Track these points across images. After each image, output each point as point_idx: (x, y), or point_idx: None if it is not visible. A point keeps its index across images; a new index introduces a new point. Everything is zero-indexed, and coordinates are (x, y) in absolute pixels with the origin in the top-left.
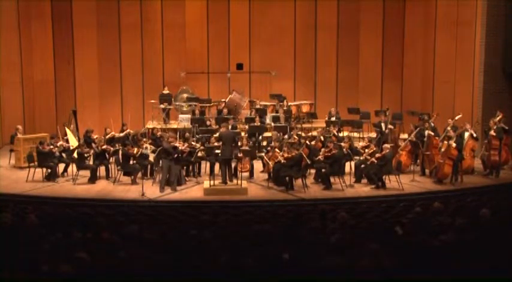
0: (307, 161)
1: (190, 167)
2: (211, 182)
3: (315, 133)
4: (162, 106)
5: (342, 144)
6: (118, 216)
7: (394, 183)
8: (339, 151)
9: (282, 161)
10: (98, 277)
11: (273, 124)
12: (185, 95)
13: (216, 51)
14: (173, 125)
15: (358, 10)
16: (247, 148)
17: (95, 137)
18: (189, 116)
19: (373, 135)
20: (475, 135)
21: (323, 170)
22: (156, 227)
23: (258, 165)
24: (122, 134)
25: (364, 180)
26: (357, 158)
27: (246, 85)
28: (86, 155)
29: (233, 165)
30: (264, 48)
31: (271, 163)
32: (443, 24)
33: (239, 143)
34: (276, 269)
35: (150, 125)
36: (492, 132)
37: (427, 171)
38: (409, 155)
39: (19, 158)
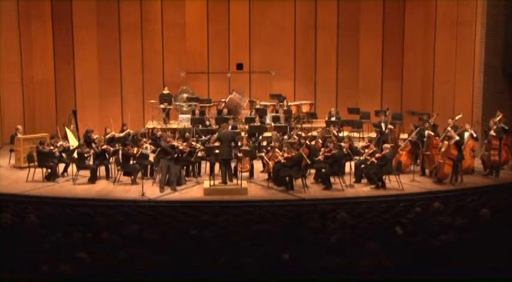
0: (307, 161)
1: (190, 167)
2: (211, 182)
3: (315, 133)
4: (162, 106)
5: (342, 144)
6: (118, 216)
7: (394, 183)
8: (339, 151)
9: (282, 161)
10: (98, 277)
11: (273, 124)
12: (185, 95)
13: (216, 51)
14: (173, 125)
15: (358, 10)
16: (247, 148)
17: (95, 137)
18: (189, 116)
19: (373, 135)
20: (475, 135)
21: (323, 170)
22: (156, 227)
23: (258, 165)
24: (121, 134)
25: (364, 180)
26: (357, 158)
27: (246, 85)
28: (86, 155)
29: (233, 165)
30: (264, 48)
31: (271, 163)
32: (443, 24)
33: (239, 143)
34: (276, 269)
35: (150, 125)
36: (492, 132)
37: (427, 171)
38: (409, 155)
39: (19, 158)
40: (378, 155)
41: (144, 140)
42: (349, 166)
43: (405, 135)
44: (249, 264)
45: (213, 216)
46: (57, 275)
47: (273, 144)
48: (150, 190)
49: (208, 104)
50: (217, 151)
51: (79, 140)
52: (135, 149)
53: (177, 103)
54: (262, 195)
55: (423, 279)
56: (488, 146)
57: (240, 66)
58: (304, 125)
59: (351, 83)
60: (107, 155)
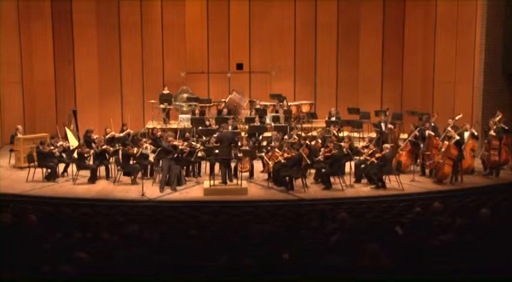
0: (307, 161)
1: (190, 167)
2: (211, 182)
3: (315, 133)
4: (162, 106)
5: (342, 144)
6: (118, 216)
7: (394, 183)
8: (339, 151)
9: (282, 161)
10: (98, 277)
11: (273, 124)
12: (185, 95)
13: (216, 51)
14: (173, 125)
15: (358, 10)
16: (247, 148)
17: (95, 137)
18: (189, 116)
19: (374, 135)
20: (475, 133)
21: (323, 170)
22: (156, 227)
23: (258, 165)
24: (121, 134)
25: (364, 180)
26: (357, 158)
27: (246, 85)
28: (86, 155)
29: (233, 165)
30: (264, 48)
31: (271, 163)
32: (443, 24)
33: (239, 143)
34: (276, 269)
35: (150, 125)
36: (492, 132)
37: (427, 171)
38: (409, 155)
39: (19, 158)
40: (378, 155)
41: (144, 140)
42: (349, 166)
43: (405, 135)
44: (249, 264)
45: (213, 216)
46: (57, 275)
47: (273, 144)
48: (150, 190)
49: (208, 104)
50: (217, 151)
51: (79, 140)
52: (135, 149)
53: (177, 103)
54: (262, 195)
55: (423, 279)
56: (488, 146)
57: (240, 66)
58: (304, 125)
59: (351, 83)
60: (107, 155)
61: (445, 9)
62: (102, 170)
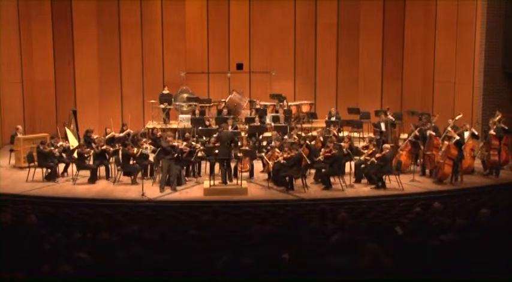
0: (307, 161)
1: (190, 167)
2: (211, 182)
3: (315, 133)
4: (162, 106)
5: (342, 144)
6: (118, 216)
7: (394, 183)
8: (339, 151)
9: (282, 161)
10: (98, 277)
11: (273, 124)
12: (185, 95)
13: (216, 51)
14: (173, 125)
15: (358, 10)
16: (247, 148)
17: (95, 137)
18: (189, 116)
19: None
20: (476, 133)
21: (323, 170)
22: (156, 227)
23: (258, 165)
24: (121, 134)
25: (364, 180)
26: (357, 158)
27: (246, 85)
28: (86, 155)
29: (233, 165)
30: (264, 48)
31: (271, 163)
32: (443, 24)
33: (239, 143)
34: (276, 269)
35: (150, 125)
36: (492, 132)
37: (427, 171)
38: (409, 155)
39: (19, 158)
40: (378, 155)
41: (144, 140)
42: (349, 166)
43: (405, 135)
44: (249, 264)
45: (213, 216)
46: (57, 275)
47: (273, 144)
48: (150, 190)
49: (208, 104)
50: (217, 151)
51: (79, 140)
52: (135, 149)
53: (177, 103)
54: (262, 195)
55: (423, 279)
56: (488, 146)
57: (240, 66)
58: (304, 125)
59: (351, 83)
60: (107, 155)
61: (445, 9)
62: (102, 170)
